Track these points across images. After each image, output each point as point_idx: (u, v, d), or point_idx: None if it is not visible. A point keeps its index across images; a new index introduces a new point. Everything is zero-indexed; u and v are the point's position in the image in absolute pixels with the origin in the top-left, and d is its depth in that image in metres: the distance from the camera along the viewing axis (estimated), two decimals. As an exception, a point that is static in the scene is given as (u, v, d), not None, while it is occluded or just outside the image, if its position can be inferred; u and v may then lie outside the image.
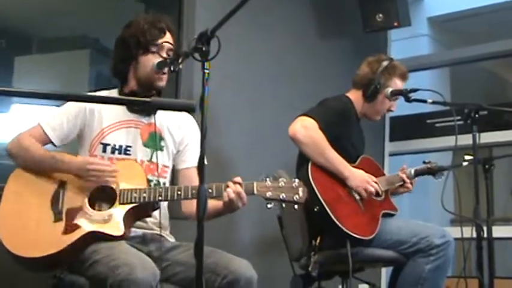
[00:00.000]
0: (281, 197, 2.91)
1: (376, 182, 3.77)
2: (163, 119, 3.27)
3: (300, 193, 2.92)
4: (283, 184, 2.93)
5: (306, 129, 3.66)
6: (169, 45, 3.22)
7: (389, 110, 4.09)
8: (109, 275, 2.64)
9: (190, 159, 3.32)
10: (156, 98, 3.13)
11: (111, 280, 2.62)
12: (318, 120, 3.68)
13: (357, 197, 3.73)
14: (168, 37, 3.24)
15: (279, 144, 4.71)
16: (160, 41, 3.20)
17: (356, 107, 4.03)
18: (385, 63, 4.03)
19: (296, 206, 2.95)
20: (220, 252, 2.99)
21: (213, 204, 3.04)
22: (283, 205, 2.95)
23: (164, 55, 3.16)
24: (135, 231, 3.05)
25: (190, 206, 3.22)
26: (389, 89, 3.95)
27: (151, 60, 3.17)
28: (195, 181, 3.26)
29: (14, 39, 5.19)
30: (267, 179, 2.94)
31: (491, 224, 3.71)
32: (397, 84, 4.01)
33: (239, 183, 2.94)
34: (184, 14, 4.64)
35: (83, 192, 2.97)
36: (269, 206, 2.90)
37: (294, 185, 2.93)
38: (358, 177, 3.72)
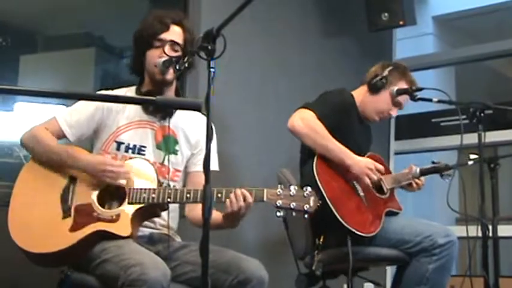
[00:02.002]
0: (291, 206, 2.89)
1: (379, 170, 3.74)
2: (179, 121, 3.26)
3: (311, 203, 2.91)
4: (295, 192, 2.91)
5: (304, 120, 3.64)
6: (173, 40, 3.19)
7: (389, 115, 4.07)
8: (120, 274, 2.65)
9: (201, 163, 3.30)
10: (161, 96, 3.13)
11: (122, 279, 2.63)
12: (315, 111, 3.66)
13: (361, 194, 3.72)
14: (172, 32, 3.21)
15: (284, 143, 4.71)
16: (161, 36, 3.18)
17: (358, 105, 4.01)
18: (398, 65, 4.08)
19: (306, 216, 2.94)
20: (232, 251, 3.00)
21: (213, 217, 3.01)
22: (293, 214, 2.94)
23: (167, 50, 3.14)
24: (142, 231, 3.05)
25: (193, 210, 3.22)
26: (395, 88, 3.94)
27: (154, 54, 3.17)
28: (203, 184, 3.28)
29: (19, 38, 5.20)
30: (279, 187, 2.92)
31: (497, 223, 3.71)
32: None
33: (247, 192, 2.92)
34: (189, 12, 4.63)
35: (93, 189, 2.97)
36: (278, 214, 2.89)
37: (305, 194, 2.92)
38: (361, 163, 3.68)
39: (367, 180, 3.67)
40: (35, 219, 2.91)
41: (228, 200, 2.89)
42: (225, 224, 3.06)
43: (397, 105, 4.02)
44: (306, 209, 2.90)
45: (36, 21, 5.55)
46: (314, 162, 3.63)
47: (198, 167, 3.30)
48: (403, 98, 4.01)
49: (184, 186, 3.31)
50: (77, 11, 5.49)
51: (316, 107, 3.71)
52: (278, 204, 2.89)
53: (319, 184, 3.53)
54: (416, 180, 3.99)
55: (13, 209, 2.95)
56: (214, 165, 3.27)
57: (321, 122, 3.65)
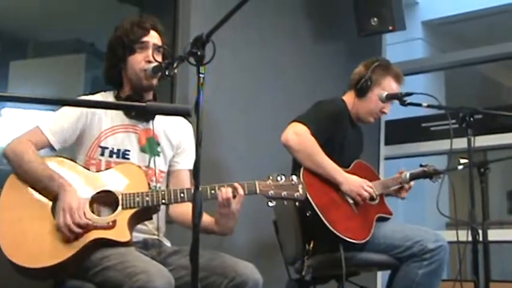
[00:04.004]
0: (283, 194, 2.97)
1: (370, 187, 3.78)
2: (160, 123, 3.25)
3: (300, 190, 2.99)
4: (284, 182, 2.98)
5: (298, 136, 3.67)
6: (155, 43, 3.20)
7: (382, 112, 4.07)
8: (124, 281, 2.64)
9: (182, 162, 3.34)
10: (151, 102, 3.13)
11: (127, 287, 2.63)
12: (309, 126, 3.68)
13: (351, 201, 3.73)
14: (153, 35, 3.21)
15: (274, 149, 4.70)
16: (144, 39, 3.18)
17: (350, 110, 4.02)
18: (380, 61, 4.06)
19: (297, 203, 3.03)
20: (225, 255, 3.01)
21: (204, 221, 3.00)
22: (285, 202, 3.01)
23: (150, 53, 3.13)
24: (136, 237, 3.02)
25: (177, 207, 3.22)
26: (384, 93, 3.94)
27: (137, 59, 3.16)
28: (186, 183, 3.29)
29: (9, 44, 5.19)
30: (269, 178, 2.98)
31: (487, 228, 3.72)
32: (392, 85, 4.00)
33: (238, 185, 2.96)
34: (179, 19, 4.63)
35: (84, 198, 2.92)
36: (270, 204, 2.96)
37: (293, 182, 2.99)
38: (351, 182, 3.73)
39: (358, 198, 3.70)
40: (27, 234, 2.84)
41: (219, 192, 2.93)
42: (219, 226, 3.07)
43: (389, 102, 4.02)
44: (296, 196, 2.99)
45: (27, 27, 5.55)
46: (301, 172, 3.64)
47: (179, 165, 3.34)
48: (392, 91, 4.00)
49: (167, 186, 3.32)
50: (67, 17, 5.49)
51: (309, 120, 3.73)
52: (270, 195, 2.95)
53: (307, 192, 3.52)
54: (406, 187, 3.99)
55: (2, 225, 2.87)
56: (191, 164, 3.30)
57: (315, 136, 3.68)
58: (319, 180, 3.69)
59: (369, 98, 3.99)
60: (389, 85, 3.99)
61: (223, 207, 2.96)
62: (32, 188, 2.95)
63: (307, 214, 3.48)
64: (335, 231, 3.52)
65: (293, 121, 3.75)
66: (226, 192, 2.93)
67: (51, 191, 2.91)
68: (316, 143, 3.67)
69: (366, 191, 3.73)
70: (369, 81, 3.96)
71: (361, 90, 3.99)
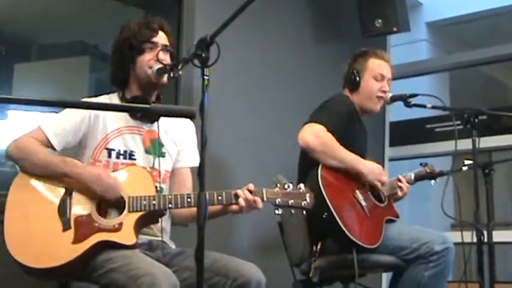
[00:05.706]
0: (290, 203, 2.98)
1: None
2: (162, 124, 3.25)
3: (308, 199, 3.00)
4: (291, 190, 2.99)
5: (317, 136, 3.65)
6: (164, 43, 3.21)
7: (383, 92, 4.03)
8: (129, 284, 2.65)
9: (184, 159, 3.34)
10: (155, 104, 3.13)
11: None
12: (324, 124, 3.68)
13: (363, 203, 3.72)
14: (161, 36, 3.23)
15: (278, 150, 4.73)
16: (153, 39, 3.19)
17: (356, 106, 4.02)
18: (356, 52, 4.13)
19: (304, 212, 3.03)
20: (229, 256, 3.01)
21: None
22: (292, 211, 3.01)
23: (159, 53, 3.14)
24: (141, 238, 3.02)
25: (178, 210, 3.22)
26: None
27: (146, 58, 3.16)
28: (188, 182, 3.32)
29: (13, 46, 5.19)
30: (276, 186, 2.99)
31: (492, 228, 3.72)
32: (375, 63, 4.05)
33: (249, 191, 2.98)
34: (183, 20, 4.64)
35: (91, 200, 2.94)
36: (277, 212, 2.97)
37: (301, 191, 3.01)
38: (373, 170, 3.78)
39: (379, 184, 3.75)
40: (33, 234, 2.85)
41: (241, 200, 2.96)
42: (225, 212, 3.09)
43: (378, 78, 4.03)
44: (304, 205, 3.00)
45: (31, 29, 5.54)
46: (319, 173, 3.62)
47: (181, 163, 3.35)
48: (380, 68, 4.04)
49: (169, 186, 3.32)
50: (71, 19, 5.48)
51: (324, 119, 3.73)
52: (277, 203, 2.96)
53: (324, 194, 3.53)
54: (400, 184, 3.98)
55: (8, 225, 2.87)
56: (195, 162, 3.32)
57: (331, 133, 3.68)
58: (336, 181, 3.67)
59: (363, 85, 4.02)
60: (374, 64, 4.06)
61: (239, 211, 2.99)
62: (43, 181, 2.96)
63: (324, 216, 3.47)
64: (350, 236, 3.50)
65: (307, 122, 3.74)
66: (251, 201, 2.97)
67: (63, 174, 2.95)
68: (335, 139, 3.67)
69: (384, 175, 3.83)
70: (355, 71, 4.02)
71: (354, 84, 4.03)
